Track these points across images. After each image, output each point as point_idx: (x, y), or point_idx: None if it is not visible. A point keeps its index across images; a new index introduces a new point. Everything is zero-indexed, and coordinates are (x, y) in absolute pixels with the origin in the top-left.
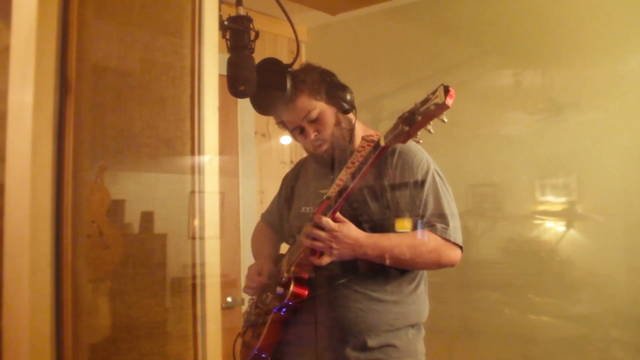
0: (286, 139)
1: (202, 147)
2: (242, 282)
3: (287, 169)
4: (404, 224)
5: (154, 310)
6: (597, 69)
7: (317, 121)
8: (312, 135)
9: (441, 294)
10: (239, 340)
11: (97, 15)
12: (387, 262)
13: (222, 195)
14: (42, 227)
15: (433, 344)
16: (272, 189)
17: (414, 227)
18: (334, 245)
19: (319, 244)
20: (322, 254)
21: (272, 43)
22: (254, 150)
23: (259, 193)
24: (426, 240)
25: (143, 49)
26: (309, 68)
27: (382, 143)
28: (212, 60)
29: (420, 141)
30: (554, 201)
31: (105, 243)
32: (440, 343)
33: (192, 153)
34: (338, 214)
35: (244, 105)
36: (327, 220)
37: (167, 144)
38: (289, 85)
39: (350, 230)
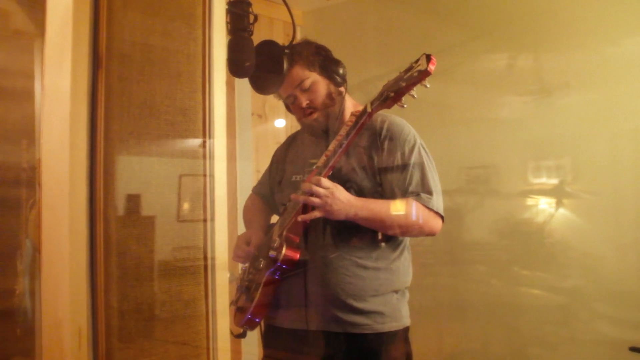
0: (282, 122)
1: (212, 116)
2: None
3: None
4: (391, 194)
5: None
6: (587, 51)
7: (309, 90)
8: (304, 104)
9: (431, 267)
10: (232, 308)
11: (124, 3)
12: (374, 224)
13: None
14: (80, 183)
15: (423, 316)
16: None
17: (401, 197)
18: (329, 201)
19: (315, 200)
20: (313, 210)
21: (268, 26)
22: (251, 131)
23: (255, 173)
24: (411, 208)
25: (162, 30)
26: (305, 42)
27: (369, 109)
28: (221, 42)
29: (405, 106)
30: (545, 182)
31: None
32: (428, 312)
33: (204, 121)
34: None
35: (241, 86)
36: (324, 179)
37: (183, 112)
38: (285, 65)
39: (343, 191)
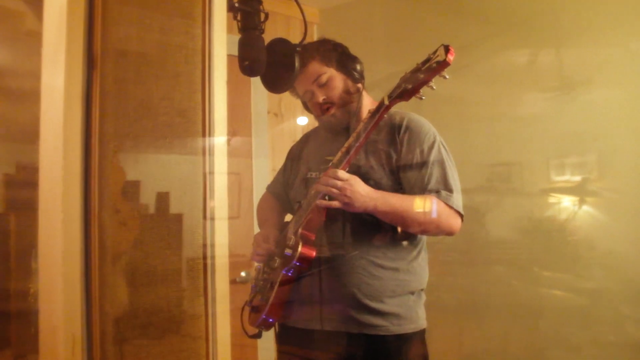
0: (304, 120)
1: (212, 117)
2: None
3: None
4: (410, 192)
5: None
6: (610, 46)
7: (326, 85)
8: (321, 99)
9: (449, 268)
10: (246, 309)
11: (120, 0)
12: (393, 219)
13: (238, 176)
14: (73, 186)
15: (440, 315)
16: None
17: (424, 191)
18: (348, 193)
19: (333, 190)
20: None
21: (285, 24)
22: (267, 130)
23: (272, 172)
24: (431, 204)
25: (159, 29)
26: (322, 40)
27: (386, 102)
28: (221, 40)
29: (423, 97)
30: (568, 180)
31: (121, 219)
32: (446, 314)
33: (204, 122)
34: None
35: (257, 85)
36: (341, 171)
37: (182, 113)
38: (297, 63)
39: (361, 183)
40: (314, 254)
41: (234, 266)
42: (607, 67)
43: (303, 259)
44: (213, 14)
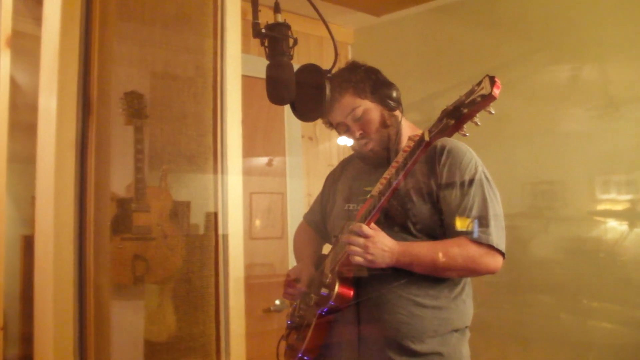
0: (340, 140)
1: (226, 163)
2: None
3: None
4: (448, 226)
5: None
6: None
7: (361, 120)
8: (357, 134)
9: (493, 298)
10: (282, 343)
11: (118, 30)
12: (419, 270)
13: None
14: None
15: (483, 350)
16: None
17: (458, 229)
18: (370, 251)
19: (357, 250)
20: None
21: (318, 46)
22: (301, 153)
23: (306, 196)
24: (462, 249)
25: (164, 66)
26: (353, 66)
27: (427, 138)
28: (236, 75)
29: (467, 134)
30: (615, 199)
31: (169, 245)
32: (490, 349)
33: (215, 170)
34: (372, 224)
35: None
36: (366, 228)
37: (190, 160)
38: (328, 91)
39: (384, 238)
40: (351, 293)
41: (271, 287)
42: None
43: (340, 298)
44: (225, 47)
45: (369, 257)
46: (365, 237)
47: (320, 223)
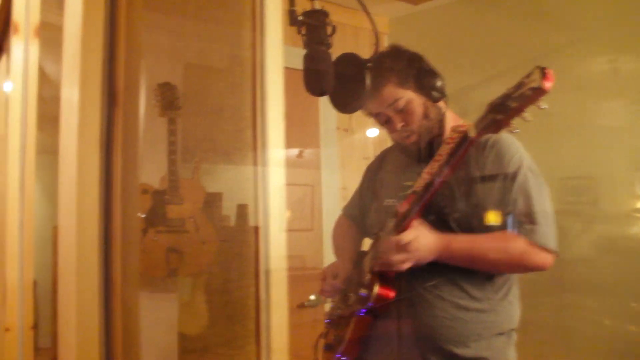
0: (372, 132)
1: (266, 160)
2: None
3: None
4: (491, 221)
5: None
6: None
7: (404, 111)
8: (399, 126)
9: (532, 298)
10: (321, 341)
11: (147, 18)
12: (462, 264)
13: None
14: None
15: (522, 354)
16: (355, 185)
17: (502, 226)
18: (415, 256)
19: (403, 267)
20: None
21: (354, 36)
22: (336, 145)
23: (341, 190)
24: (509, 244)
25: (198, 56)
26: (395, 52)
27: (472, 134)
28: (277, 66)
29: (517, 130)
30: None
31: (202, 238)
32: (530, 352)
33: (255, 162)
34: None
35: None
36: (402, 237)
37: (227, 157)
38: (368, 81)
39: (421, 241)
40: (392, 294)
41: (305, 279)
42: None
43: (379, 300)
44: (266, 32)
45: (414, 260)
46: (400, 249)
47: (360, 217)
